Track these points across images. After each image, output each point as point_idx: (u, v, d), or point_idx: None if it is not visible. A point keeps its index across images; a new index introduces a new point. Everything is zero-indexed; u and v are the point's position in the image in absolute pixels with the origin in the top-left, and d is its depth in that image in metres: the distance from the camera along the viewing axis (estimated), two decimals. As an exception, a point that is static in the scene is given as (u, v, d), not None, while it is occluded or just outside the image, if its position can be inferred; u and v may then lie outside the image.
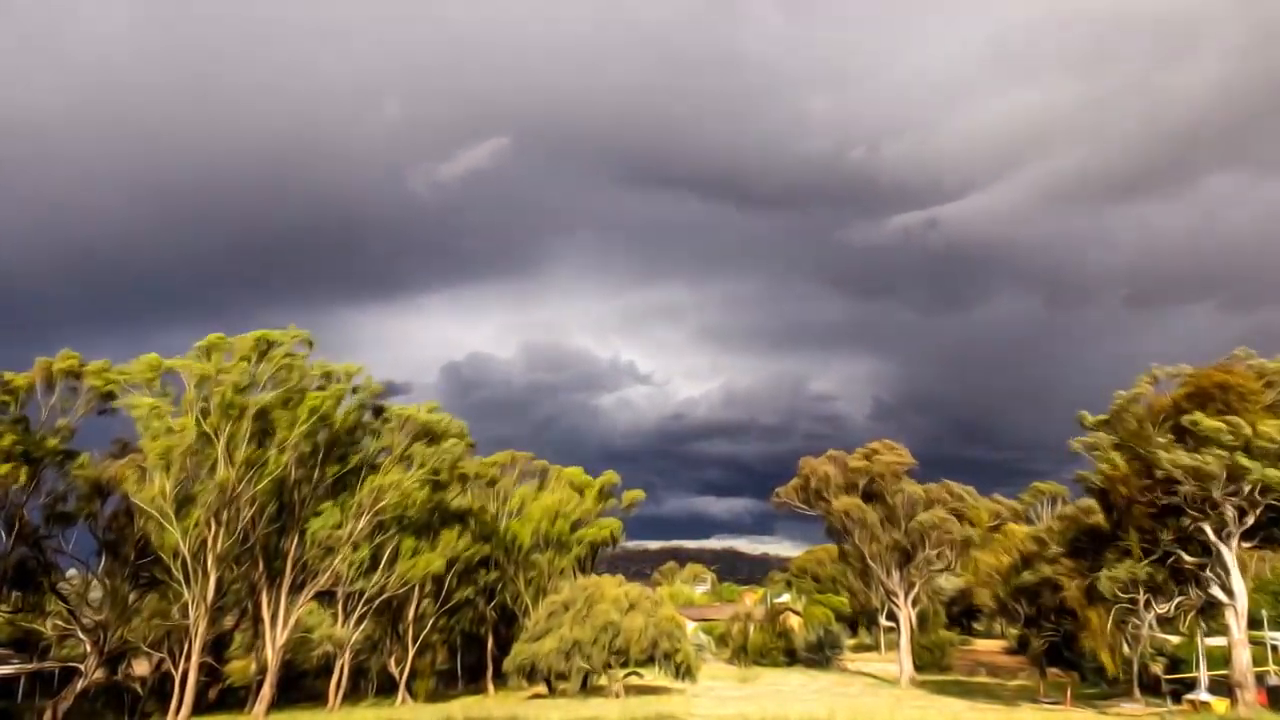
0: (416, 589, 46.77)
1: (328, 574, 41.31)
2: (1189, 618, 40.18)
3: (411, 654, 49.25)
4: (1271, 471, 32.94)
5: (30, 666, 42.10)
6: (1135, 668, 45.88)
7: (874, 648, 78.54)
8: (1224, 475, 33.56)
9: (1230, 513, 34.41)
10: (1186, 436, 34.71)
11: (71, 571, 42.82)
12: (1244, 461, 32.99)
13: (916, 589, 58.42)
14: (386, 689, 51.88)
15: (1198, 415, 34.21)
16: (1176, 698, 40.39)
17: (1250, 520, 34.56)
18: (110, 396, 39.83)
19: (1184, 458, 34.02)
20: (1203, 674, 38.69)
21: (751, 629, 72.39)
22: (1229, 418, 33.72)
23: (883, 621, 71.66)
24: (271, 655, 40.04)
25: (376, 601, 44.44)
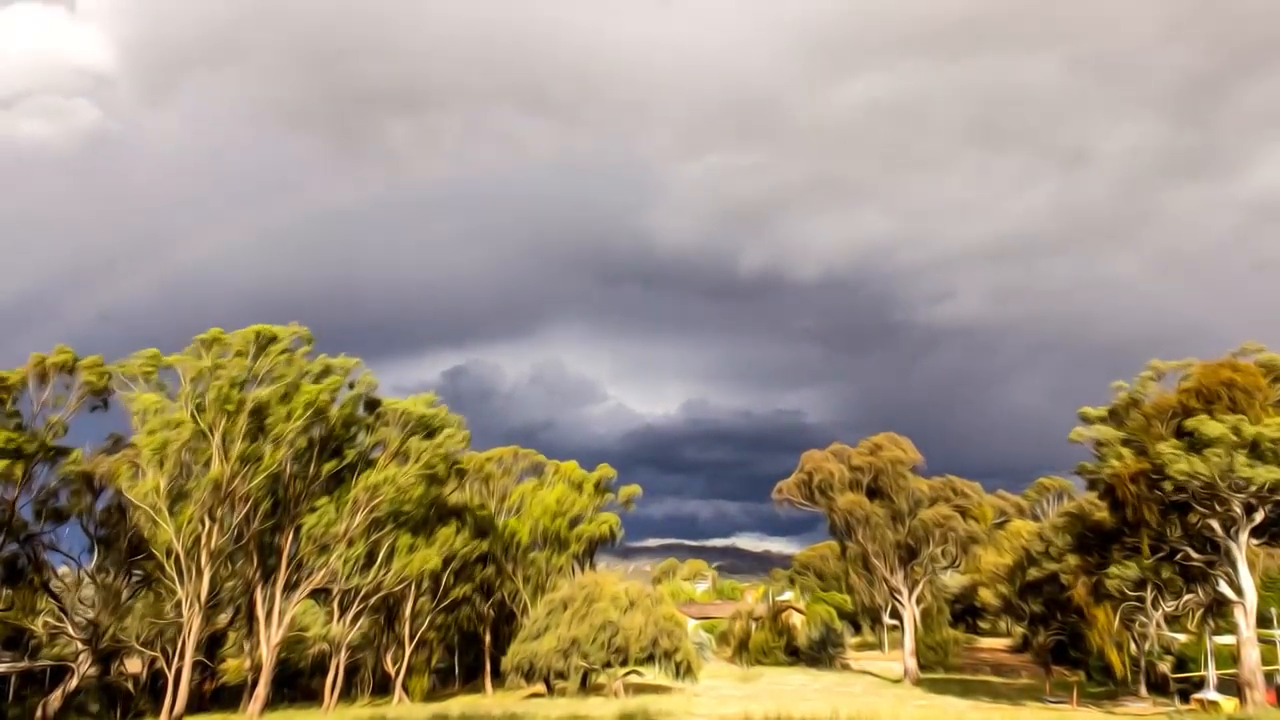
0: (413, 586, 46.23)
1: (323, 571, 40.78)
2: (1197, 616, 39.69)
3: (408, 652, 48.73)
4: (1264, 471, 32.33)
5: (21, 665, 41.62)
6: (1142, 666, 45.38)
7: (877, 646, 77.94)
8: (1229, 476, 33.00)
9: (1238, 509, 33.84)
10: (1193, 435, 34.12)
11: (64, 569, 42.42)
12: (1243, 471, 32.41)
13: (920, 586, 57.80)
14: (382, 688, 51.42)
15: (1200, 421, 33.63)
16: (1184, 697, 39.86)
17: (1259, 517, 34.02)
18: (103, 392, 39.41)
19: (1184, 463, 33.37)
20: (1211, 673, 38.09)
21: (753, 627, 71.77)
22: (1233, 418, 33.13)
23: (886, 620, 70.99)
24: (266, 653, 39.56)
25: (372, 599, 43.93)
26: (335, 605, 44.22)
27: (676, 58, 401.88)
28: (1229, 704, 34.37)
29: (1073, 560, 43.71)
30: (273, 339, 38.74)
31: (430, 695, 51.73)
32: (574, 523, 55.92)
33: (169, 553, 36.49)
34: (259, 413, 37.93)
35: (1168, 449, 34.25)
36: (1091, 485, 40.07)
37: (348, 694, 49.66)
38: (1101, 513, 39.68)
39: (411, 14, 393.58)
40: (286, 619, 40.15)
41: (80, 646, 39.62)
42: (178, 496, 36.65)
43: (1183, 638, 45.32)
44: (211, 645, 46.08)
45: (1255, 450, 32.84)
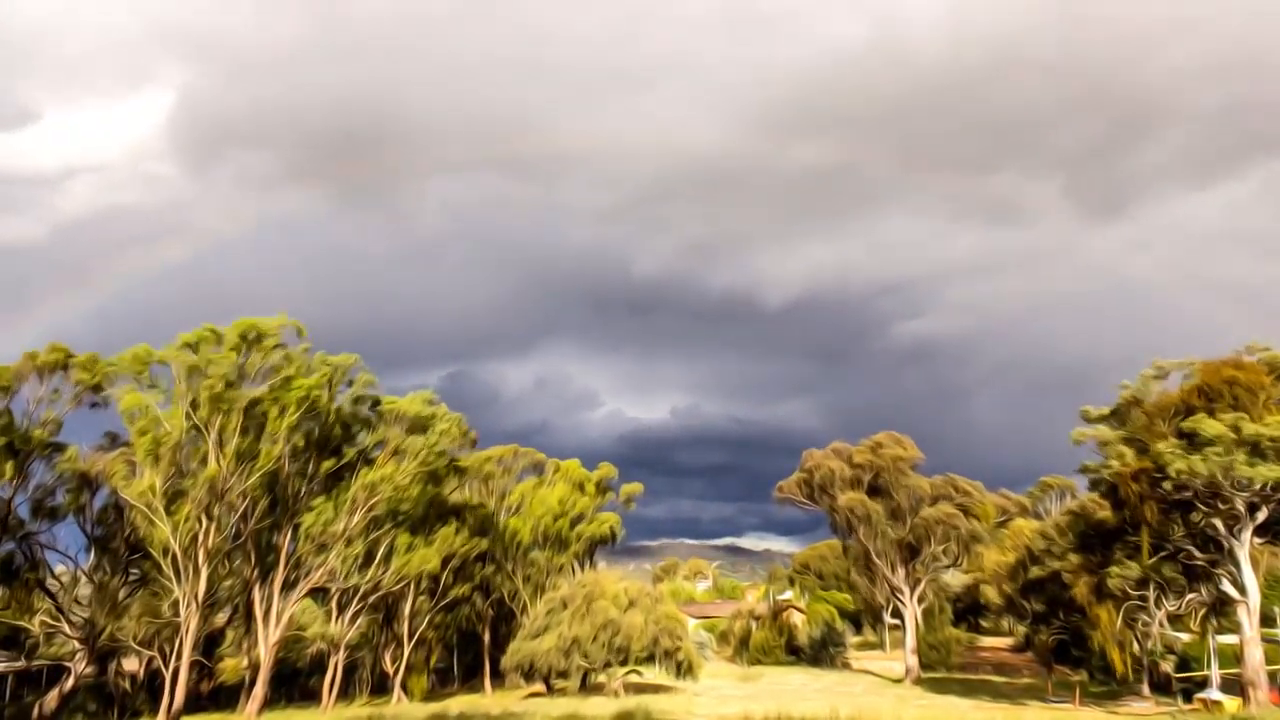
0: (412, 585, 46.12)
1: (321, 570, 40.55)
2: (1200, 615, 39.37)
3: (407, 652, 48.58)
4: (1264, 470, 32.05)
5: (17, 665, 41.44)
6: (1145, 666, 45.11)
7: (878, 645, 77.67)
8: (1230, 475, 32.74)
9: (1241, 508, 33.59)
10: (1195, 433, 33.85)
11: (60, 567, 42.18)
12: (1244, 470, 32.16)
13: (922, 585, 57.55)
14: (381, 687, 51.28)
15: (1200, 419, 33.35)
16: (1187, 696, 39.65)
17: (1262, 515, 33.78)
18: (99, 389, 39.19)
19: (1182, 462, 33.09)
20: (1214, 672, 37.87)
21: (754, 626, 71.56)
22: (1235, 416, 32.85)
23: (887, 619, 70.71)
24: (264, 653, 39.33)
25: (371, 598, 43.78)
26: (334, 604, 44.06)
27: (644, 126, 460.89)
28: (1232, 704, 34.15)
29: (1075, 559, 43.39)
30: (261, 335, 38.27)
31: (429, 694, 51.54)
32: (575, 522, 55.69)
33: (166, 552, 36.25)
34: (254, 409, 37.67)
35: (1167, 448, 34.00)
36: (1094, 485, 39.79)
37: (346, 693, 49.48)
38: (1104, 512, 39.41)
39: (405, 99, 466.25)
40: (285, 618, 39.90)
41: (77, 646, 39.44)
42: (174, 495, 36.39)
43: (1185, 637, 45.04)
44: (209, 644, 45.83)
45: (1256, 449, 32.58)
